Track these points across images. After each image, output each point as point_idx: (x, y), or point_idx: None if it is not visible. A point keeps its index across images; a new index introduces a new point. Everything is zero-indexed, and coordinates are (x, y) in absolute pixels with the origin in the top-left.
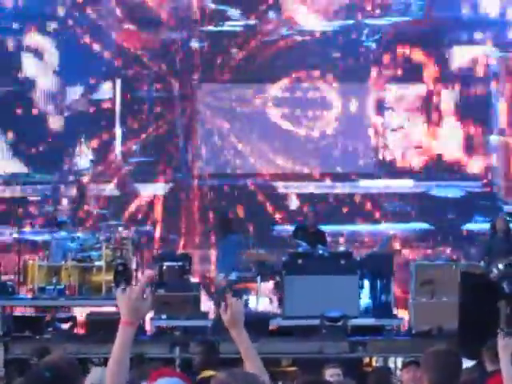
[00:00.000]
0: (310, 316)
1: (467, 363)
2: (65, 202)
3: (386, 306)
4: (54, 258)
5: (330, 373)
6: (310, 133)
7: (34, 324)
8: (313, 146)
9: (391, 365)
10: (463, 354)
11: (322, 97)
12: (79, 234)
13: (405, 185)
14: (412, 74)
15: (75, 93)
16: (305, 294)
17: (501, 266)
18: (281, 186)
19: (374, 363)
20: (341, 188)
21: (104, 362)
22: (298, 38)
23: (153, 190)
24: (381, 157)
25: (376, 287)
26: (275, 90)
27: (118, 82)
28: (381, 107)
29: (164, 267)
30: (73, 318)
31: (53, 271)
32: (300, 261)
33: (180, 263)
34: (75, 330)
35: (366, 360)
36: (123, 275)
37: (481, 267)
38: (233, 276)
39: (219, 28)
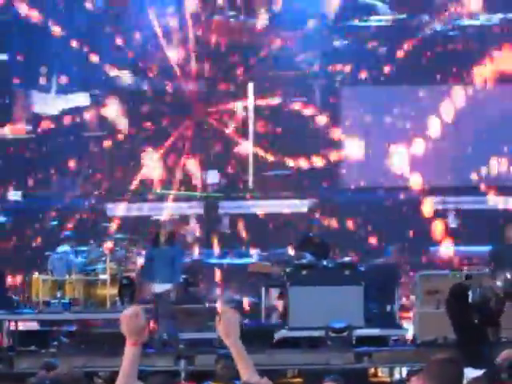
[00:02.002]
0: (314, 327)
1: (475, 373)
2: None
3: (391, 317)
4: (58, 272)
5: None
6: None
7: (39, 338)
8: None
9: (397, 375)
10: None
11: None
12: (84, 248)
13: None
14: None
15: None
16: (309, 305)
17: (509, 275)
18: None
19: (379, 374)
20: None
21: (110, 376)
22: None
23: None
24: None
25: (381, 297)
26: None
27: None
28: None
29: None
30: (78, 332)
31: (57, 285)
32: (304, 272)
33: (185, 276)
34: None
35: (372, 371)
36: (128, 289)
37: (486, 274)
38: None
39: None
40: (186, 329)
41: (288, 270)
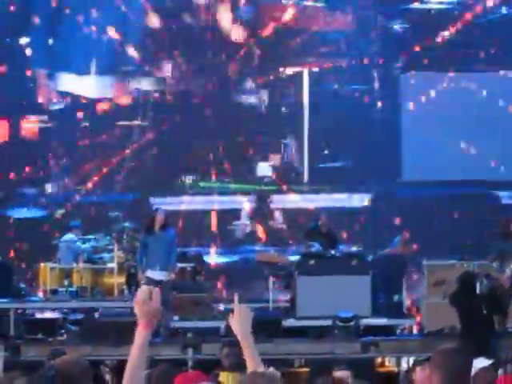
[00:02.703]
0: (322, 316)
1: (484, 362)
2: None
3: (398, 306)
4: (65, 261)
5: (339, 375)
6: None
7: (47, 326)
8: None
9: (404, 365)
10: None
11: None
12: (91, 236)
13: None
14: None
15: None
16: (317, 295)
17: None
18: None
19: (386, 363)
20: None
21: (116, 365)
22: None
23: None
24: None
25: (388, 287)
26: None
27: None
28: None
29: (176, 269)
30: (85, 320)
31: (64, 273)
32: (312, 261)
33: (192, 264)
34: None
35: (379, 360)
36: (135, 278)
37: (493, 268)
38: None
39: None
40: (193, 317)
41: (296, 259)
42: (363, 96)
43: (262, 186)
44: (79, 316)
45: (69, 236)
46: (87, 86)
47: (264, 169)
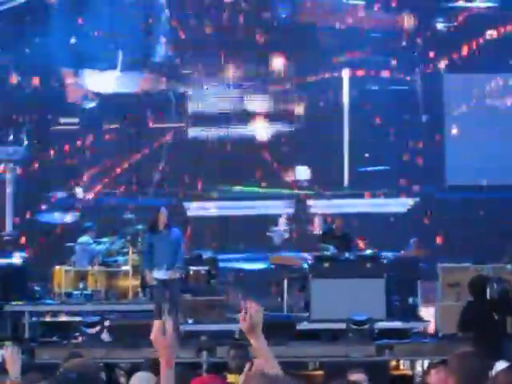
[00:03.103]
0: (336, 319)
1: (503, 365)
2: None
3: (413, 309)
4: (80, 263)
5: (355, 378)
6: None
7: (62, 329)
8: None
9: (419, 368)
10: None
11: None
12: (106, 239)
13: None
14: None
15: None
16: (331, 298)
17: None
18: None
19: (401, 366)
20: None
21: (131, 368)
22: None
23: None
24: None
25: (402, 290)
26: None
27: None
28: None
29: (191, 272)
30: (100, 323)
31: (79, 276)
32: (326, 264)
33: (206, 268)
34: (102, 335)
35: (393, 363)
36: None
37: (507, 270)
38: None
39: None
40: (207, 320)
41: (310, 262)
42: (406, 97)
43: (300, 190)
44: (94, 319)
45: (84, 238)
46: (114, 82)
47: (302, 172)
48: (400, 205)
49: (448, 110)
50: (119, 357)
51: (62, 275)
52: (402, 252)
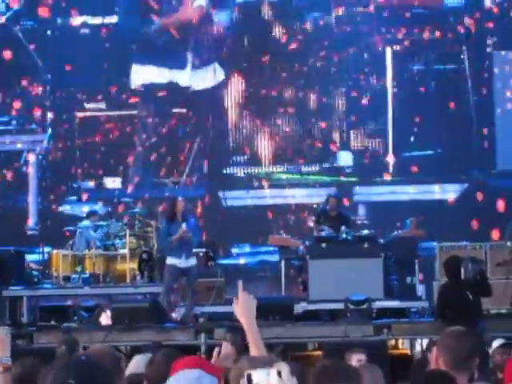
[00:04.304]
0: (334, 300)
1: (499, 342)
2: None
3: (411, 289)
4: (78, 247)
5: (355, 358)
6: None
7: (60, 313)
8: None
9: (418, 347)
10: None
11: None
12: (102, 223)
13: None
14: None
15: None
16: (329, 278)
17: None
18: None
19: (400, 346)
20: None
21: (130, 351)
22: None
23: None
24: None
25: (401, 270)
26: None
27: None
28: None
29: None
30: (98, 307)
31: (77, 260)
32: (324, 245)
33: (204, 250)
34: (101, 319)
35: (392, 343)
36: (147, 264)
37: (508, 247)
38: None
39: None
40: (206, 303)
41: (307, 243)
42: (452, 77)
43: (343, 177)
44: (92, 302)
45: (84, 223)
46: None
47: (345, 158)
48: (448, 191)
49: (497, 88)
50: (118, 340)
51: (59, 259)
52: (400, 232)
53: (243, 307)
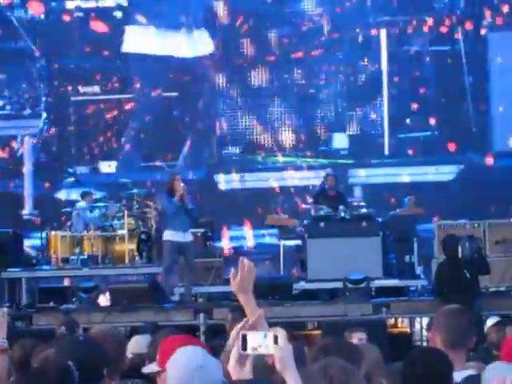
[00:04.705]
0: (333, 279)
1: (493, 320)
2: None
3: (410, 267)
4: (76, 229)
5: (355, 337)
6: None
7: (59, 295)
8: None
9: (417, 325)
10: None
11: None
12: (100, 204)
13: None
14: None
15: None
16: (327, 257)
17: None
18: None
19: (399, 324)
20: None
21: (130, 331)
22: None
23: None
24: None
25: (399, 248)
26: None
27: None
28: None
29: None
30: (96, 288)
31: (75, 241)
32: (322, 224)
33: (203, 230)
34: (99, 300)
35: (391, 321)
36: (146, 244)
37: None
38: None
39: None
40: (205, 283)
41: (305, 222)
42: (447, 58)
43: (339, 159)
44: (91, 283)
45: (80, 204)
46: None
47: (341, 140)
48: (444, 173)
49: (492, 69)
50: (117, 321)
51: (58, 241)
52: (398, 210)
53: (243, 282)
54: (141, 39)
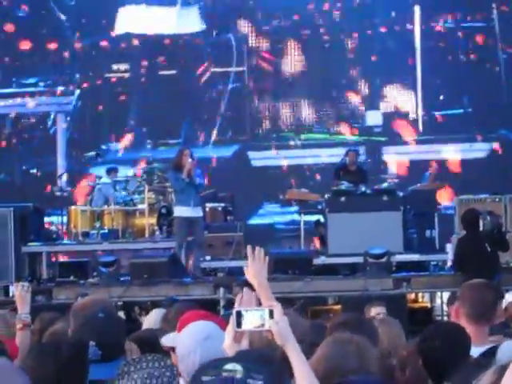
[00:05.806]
0: (353, 254)
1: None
2: None
3: (431, 242)
4: (96, 203)
5: (375, 311)
6: None
7: (79, 269)
8: None
9: (438, 300)
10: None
11: None
12: (121, 178)
13: None
14: None
15: None
16: (348, 232)
17: None
18: None
19: (419, 299)
20: None
21: (151, 306)
22: None
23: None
24: None
25: (420, 223)
26: None
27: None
28: None
29: (207, 209)
30: (117, 262)
31: (95, 216)
32: (343, 198)
33: (223, 204)
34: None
35: (412, 296)
36: (166, 218)
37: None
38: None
39: None
40: (225, 257)
41: (326, 196)
42: (481, 35)
43: (372, 136)
44: (111, 258)
45: (104, 179)
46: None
47: (374, 117)
48: (477, 150)
49: None
50: (137, 295)
51: (78, 215)
52: (419, 185)
53: (256, 270)
54: (132, 19)
